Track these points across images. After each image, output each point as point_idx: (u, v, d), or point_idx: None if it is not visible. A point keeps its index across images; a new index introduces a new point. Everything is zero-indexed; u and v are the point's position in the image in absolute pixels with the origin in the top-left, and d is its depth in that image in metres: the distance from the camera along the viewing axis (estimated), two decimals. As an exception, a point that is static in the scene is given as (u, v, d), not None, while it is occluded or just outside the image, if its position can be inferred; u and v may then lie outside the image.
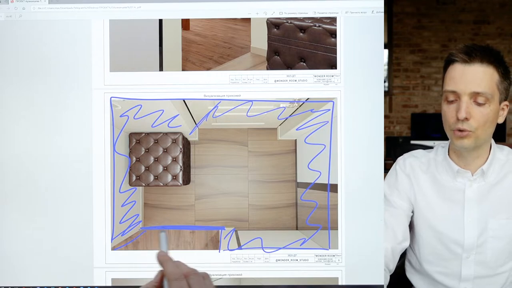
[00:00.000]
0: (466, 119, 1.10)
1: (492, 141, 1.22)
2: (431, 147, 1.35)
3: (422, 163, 1.26)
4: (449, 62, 1.15)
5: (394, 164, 1.30)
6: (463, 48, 1.13)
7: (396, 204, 1.22)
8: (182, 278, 0.68)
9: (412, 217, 1.25)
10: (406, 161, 1.27)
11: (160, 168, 1.05)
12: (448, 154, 1.23)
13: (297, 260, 1.03)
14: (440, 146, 1.27)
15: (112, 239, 1.03)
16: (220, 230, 1.03)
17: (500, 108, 1.16)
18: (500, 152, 1.22)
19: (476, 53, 1.11)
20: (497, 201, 1.19)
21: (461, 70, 1.12)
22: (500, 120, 1.17)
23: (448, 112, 1.14)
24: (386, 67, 5.29)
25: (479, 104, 1.11)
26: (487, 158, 1.19)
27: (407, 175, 1.25)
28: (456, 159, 1.21)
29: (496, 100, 1.13)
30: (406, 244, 1.22)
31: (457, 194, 1.20)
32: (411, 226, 1.26)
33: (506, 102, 1.17)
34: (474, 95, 1.11)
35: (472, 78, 1.11)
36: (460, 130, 1.12)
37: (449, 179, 1.21)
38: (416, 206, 1.24)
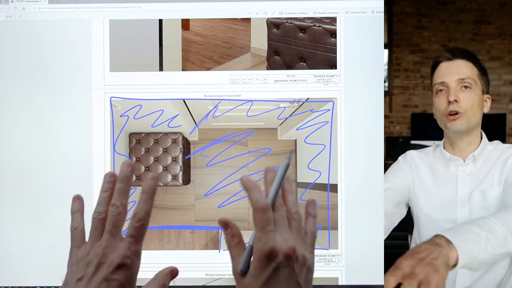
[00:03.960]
0: (456, 101, 1.25)
1: (484, 135, 1.33)
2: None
3: (421, 153, 1.39)
4: (436, 64, 1.33)
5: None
6: (446, 49, 1.33)
7: (387, 184, 1.31)
8: (268, 209, 0.56)
9: (412, 208, 1.35)
10: (407, 153, 1.41)
11: (160, 168, 1.05)
12: (444, 148, 1.35)
13: (297, 260, 1.03)
14: (437, 144, 1.39)
15: (112, 239, 1.02)
16: (220, 230, 1.03)
17: (484, 99, 1.30)
18: (489, 145, 1.33)
19: (458, 51, 1.31)
20: (482, 177, 1.27)
21: (446, 65, 1.30)
22: (485, 110, 1.31)
23: (439, 101, 1.29)
24: (386, 67, 5.29)
25: (465, 88, 1.26)
26: (478, 146, 1.30)
27: (408, 164, 1.37)
28: (450, 149, 1.33)
29: (479, 88, 1.29)
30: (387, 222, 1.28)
31: (451, 179, 1.30)
32: (412, 216, 1.36)
33: (488, 95, 1.32)
34: (460, 81, 1.27)
35: (456, 68, 1.28)
36: (452, 114, 1.25)
37: (443, 168, 1.33)
38: (414, 194, 1.33)
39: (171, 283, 1.02)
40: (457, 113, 1.25)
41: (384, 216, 1.23)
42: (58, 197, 1.02)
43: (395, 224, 1.34)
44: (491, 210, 1.21)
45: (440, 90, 1.29)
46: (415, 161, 1.37)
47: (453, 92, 1.26)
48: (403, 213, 1.37)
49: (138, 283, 1.03)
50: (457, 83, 1.27)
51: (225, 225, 0.62)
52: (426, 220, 1.30)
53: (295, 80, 1.03)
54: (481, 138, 1.32)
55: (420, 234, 1.31)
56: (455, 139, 1.31)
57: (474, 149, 1.30)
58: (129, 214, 1.03)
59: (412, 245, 1.39)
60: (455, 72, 1.28)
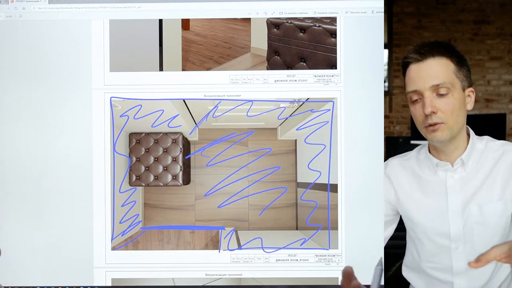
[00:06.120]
0: (433, 112, 1.11)
1: (472, 132, 1.22)
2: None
3: (404, 160, 1.27)
4: (405, 65, 1.16)
5: None
6: (414, 48, 1.15)
7: None
8: None
9: (402, 217, 1.26)
10: (389, 162, 1.28)
11: (160, 168, 1.05)
12: (430, 152, 1.23)
13: (297, 260, 1.03)
14: (423, 146, 1.27)
15: (112, 239, 1.03)
16: (220, 230, 1.03)
17: (466, 95, 1.16)
18: (479, 142, 1.21)
19: (426, 49, 1.13)
20: (478, 187, 1.18)
21: (416, 69, 1.13)
22: (469, 107, 1.17)
23: (416, 112, 1.15)
24: (386, 67, 5.29)
25: (442, 95, 1.12)
26: (466, 148, 1.18)
27: (387, 175, 1.25)
28: (436, 154, 1.21)
29: (458, 88, 1.13)
30: None
31: (439, 186, 1.20)
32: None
33: (471, 89, 1.17)
34: (435, 88, 1.11)
35: (428, 73, 1.12)
36: (431, 125, 1.12)
37: (430, 173, 1.22)
38: (400, 205, 1.24)
39: (171, 283, 1.03)
40: (436, 124, 1.12)
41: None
42: (58, 197, 1.02)
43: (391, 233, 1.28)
44: (489, 226, 1.14)
45: (415, 100, 1.14)
46: (396, 171, 1.25)
47: (428, 103, 1.11)
48: (395, 224, 1.28)
49: (138, 283, 1.04)
50: (432, 90, 1.11)
51: (350, 277, 0.65)
52: (417, 231, 1.22)
53: (295, 80, 1.03)
54: (469, 136, 1.21)
55: (415, 244, 1.24)
56: (440, 147, 1.19)
57: (462, 152, 1.18)
58: (130, 214, 1.03)
59: (409, 256, 1.29)
60: (427, 77, 1.12)
